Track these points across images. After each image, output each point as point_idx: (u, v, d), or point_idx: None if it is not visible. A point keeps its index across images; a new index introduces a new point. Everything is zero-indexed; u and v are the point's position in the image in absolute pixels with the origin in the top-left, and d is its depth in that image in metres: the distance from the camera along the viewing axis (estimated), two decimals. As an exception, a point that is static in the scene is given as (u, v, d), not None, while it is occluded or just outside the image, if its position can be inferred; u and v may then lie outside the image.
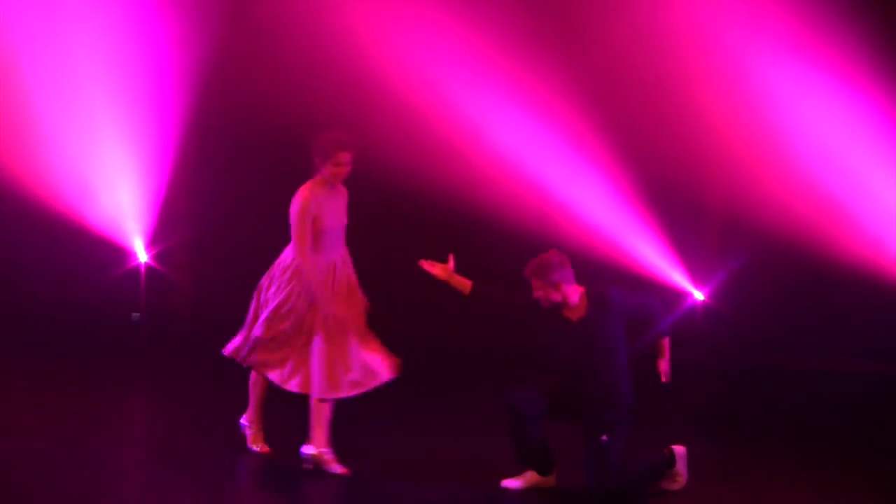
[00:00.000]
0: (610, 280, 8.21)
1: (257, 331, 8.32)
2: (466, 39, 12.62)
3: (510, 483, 8.18)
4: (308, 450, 8.26)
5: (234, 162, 13.29)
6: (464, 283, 8.17)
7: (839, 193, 12.03)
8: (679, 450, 8.10)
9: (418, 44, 12.73)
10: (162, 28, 13.11)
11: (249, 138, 13.16)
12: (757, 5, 12.06)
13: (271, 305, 8.29)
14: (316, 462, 8.24)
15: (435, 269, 8.18)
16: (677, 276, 12.54)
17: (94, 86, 12.99)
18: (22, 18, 12.88)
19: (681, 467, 8.10)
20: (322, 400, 8.19)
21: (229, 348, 8.51)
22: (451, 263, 8.20)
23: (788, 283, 12.38)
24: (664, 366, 8.11)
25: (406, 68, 12.71)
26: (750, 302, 12.49)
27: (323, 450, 8.25)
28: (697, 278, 12.68)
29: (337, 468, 8.24)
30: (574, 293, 7.97)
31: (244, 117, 13.10)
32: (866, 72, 11.75)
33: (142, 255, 13.23)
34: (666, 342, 8.13)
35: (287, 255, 8.39)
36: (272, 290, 8.33)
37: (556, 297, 7.92)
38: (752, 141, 12.28)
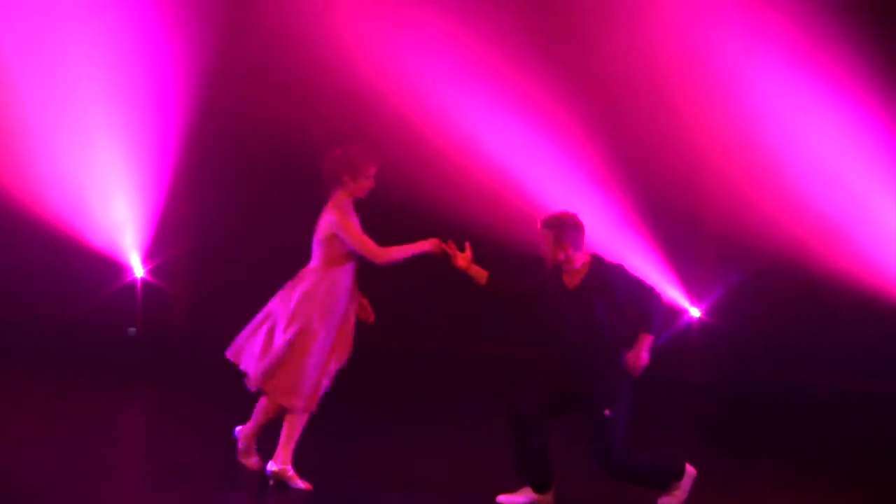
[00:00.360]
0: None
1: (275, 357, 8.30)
2: (464, 51, 12.65)
3: (506, 499, 8.16)
4: (272, 466, 8.27)
5: (231, 176, 13.29)
6: (481, 274, 8.16)
7: (834, 210, 12.06)
8: (691, 470, 8.05)
9: (417, 55, 12.77)
10: (160, 40, 13.14)
11: (246, 152, 13.18)
12: (754, 21, 12.10)
13: (292, 330, 8.26)
14: (279, 478, 8.25)
15: (458, 256, 8.16)
16: (673, 293, 12.56)
17: (90, 100, 13.00)
18: (18, 30, 12.89)
19: (685, 485, 8.04)
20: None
21: (250, 370, 8.40)
22: (469, 253, 8.20)
23: (783, 299, 12.40)
24: (632, 358, 7.85)
25: (404, 79, 12.75)
26: (746, 318, 12.50)
27: (287, 466, 8.26)
28: (693, 295, 12.71)
29: (301, 484, 8.24)
30: (578, 259, 7.91)
31: (241, 132, 13.12)
32: (863, 88, 11.79)
33: (138, 270, 13.24)
34: (646, 339, 7.86)
35: (309, 278, 8.35)
36: (289, 313, 8.31)
37: (560, 255, 7.86)
38: (749, 157, 12.31)
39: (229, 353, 8.51)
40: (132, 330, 13.21)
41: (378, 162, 8.31)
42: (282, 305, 8.33)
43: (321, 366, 8.24)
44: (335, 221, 8.20)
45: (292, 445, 8.27)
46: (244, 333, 8.46)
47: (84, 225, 13.08)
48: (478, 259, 8.21)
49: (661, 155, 12.39)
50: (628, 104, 12.49)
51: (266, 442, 8.48)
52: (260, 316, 8.43)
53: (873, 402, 11.89)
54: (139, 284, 13.25)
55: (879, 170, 11.94)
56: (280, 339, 8.25)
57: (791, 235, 12.11)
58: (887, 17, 11.84)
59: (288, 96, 12.92)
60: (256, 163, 13.19)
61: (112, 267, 13.22)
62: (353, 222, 8.21)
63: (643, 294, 7.89)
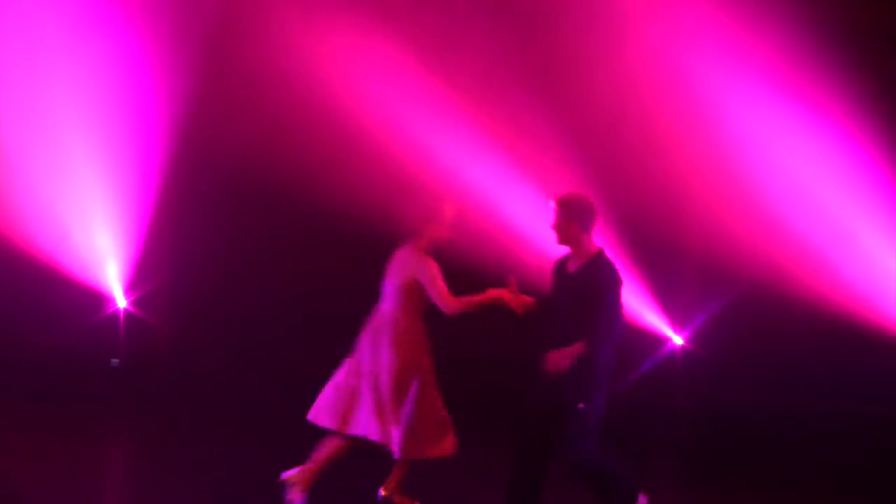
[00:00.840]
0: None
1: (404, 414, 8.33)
2: (443, 82, 12.68)
3: None
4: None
5: (214, 207, 13.29)
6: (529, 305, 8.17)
7: (816, 238, 12.09)
8: (643, 500, 8.02)
9: (398, 87, 12.80)
10: (142, 71, 13.15)
11: (230, 184, 13.17)
12: (736, 48, 12.14)
13: (413, 385, 8.33)
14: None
15: (520, 303, 8.13)
16: (656, 321, 12.58)
17: (72, 130, 13.00)
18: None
19: None
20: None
21: (395, 442, 8.37)
22: (514, 286, 8.23)
23: (766, 326, 12.41)
24: (554, 355, 7.77)
25: (388, 111, 12.78)
26: (729, 345, 12.51)
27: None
28: (676, 322, 12.72)
29: None
30: (585, 244, 7.90)
31: (223, 163, 13.12)
32: (842, 112, 11.84)
33: (121, 301, 13.22)
34: (577, 345, 7.76)
35: (396, 325, 8.37)
36: (384, 361, 8.34)
37: (569, 233, 7.89)
38: (730, 185, 12.34)
39: (311, 417, 8.42)
40: (115, 361, 13.17)
41: (454, 212, 8.40)
42: (373, 360, 8.33)
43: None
44: (420, 269, 8.24)
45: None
46: (330, 393, 8.41)
47: (66, 256, 13.06)
48: (457, 291, 8.23)
49: (642, 183, 12.41)
50: (610, 134, 12.52)
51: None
52: (346, 376, 8.42)
53: (856, 426, 11.89)
54: (122, 315, 13.23)
55: (858, 193, 11.98)
56: (396, 397, 8.24)
57: (773, 263, 12.13)
58: (866, 42, 11.91)
59: (272, 129, 12.93)
60: (240, 194, 13.18)
61: (95, 298, 13.19)
62: (437, 272, 8.24)
63: (595, 311, 7.83)
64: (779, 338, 12.31)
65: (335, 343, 12.52)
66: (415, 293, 8.26)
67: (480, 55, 12.73)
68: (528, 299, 8.10)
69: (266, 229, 13.20)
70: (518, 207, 12.57)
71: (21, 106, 12.99)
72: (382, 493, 8.49)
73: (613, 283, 7.90)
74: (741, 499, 9.60)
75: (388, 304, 8.32)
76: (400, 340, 8.25)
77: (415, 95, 12.74)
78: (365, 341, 8.35)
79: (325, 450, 8.34)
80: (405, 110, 12.71)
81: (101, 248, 13.15)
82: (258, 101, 13.02)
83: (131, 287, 13.25)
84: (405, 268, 8.29)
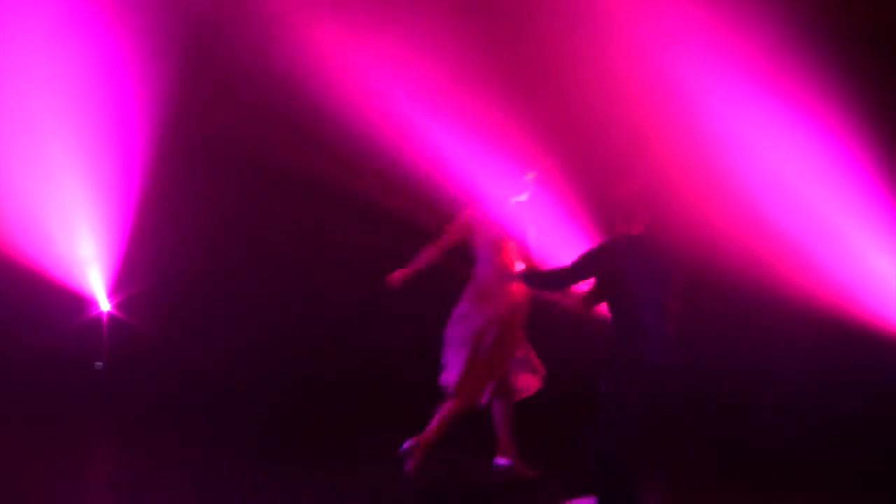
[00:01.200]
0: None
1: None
2: (425, 76, 12.66)
3: None
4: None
5: (197, 209, 13.28)
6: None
7: (800, 234, 12.09)
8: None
9: (377, 82, 12.81)
10: (123, 73, 13.12)
11: (213, 186, 13.17)
12: (717, 47, 12.15)
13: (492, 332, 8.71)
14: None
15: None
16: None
17: (53, 131, 12.96)
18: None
19: None
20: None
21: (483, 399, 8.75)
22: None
23: (744, 320, 12.41)
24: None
25: (373, 108, 12.77)
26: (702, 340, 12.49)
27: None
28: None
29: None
30: (636, 226, 7.85)
31: (207, 165, 13.12)
32: (826, 111, 11.86)
33: (104, 304, 13.19)
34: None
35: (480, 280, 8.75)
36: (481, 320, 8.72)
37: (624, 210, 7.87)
38: (714, 183, 12.33)
39: None
40: (99, 364, 13.14)
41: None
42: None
43: None
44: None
45: None
46: None
47: (50, 259, 13.02)
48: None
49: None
50: (594, 139, 12.53)
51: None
52: None
53: (837, 423, 11.92)
54: (105, 318, 13.19)
55: (842, 190, 11.99)
56: None
57: (756, 258, 12.12)
58: (847, 40, 11.94)
59: (256, 129, 12.93)
60: (223, 196, 13.18)
61: (78, 301, 13.15)
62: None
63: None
64: (761, 333, 12.31)
65: (322, 343, 12.58)
66: None
67: (462, 53, 12.73)
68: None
69: (249, 232, 13.19)
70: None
71: (0, 109, 12.96)
72: (499, 460, 8.74)
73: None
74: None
75: None
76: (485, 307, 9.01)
77: (393, 93, 12.74)
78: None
79: (440, 418, 8.56)
80: (389, 106, 12.72)
81: (84, 252, 13.12)
82: (241, 101, 13.02)
83: (115, 290, 13.22)
84: None
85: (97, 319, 13.22)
